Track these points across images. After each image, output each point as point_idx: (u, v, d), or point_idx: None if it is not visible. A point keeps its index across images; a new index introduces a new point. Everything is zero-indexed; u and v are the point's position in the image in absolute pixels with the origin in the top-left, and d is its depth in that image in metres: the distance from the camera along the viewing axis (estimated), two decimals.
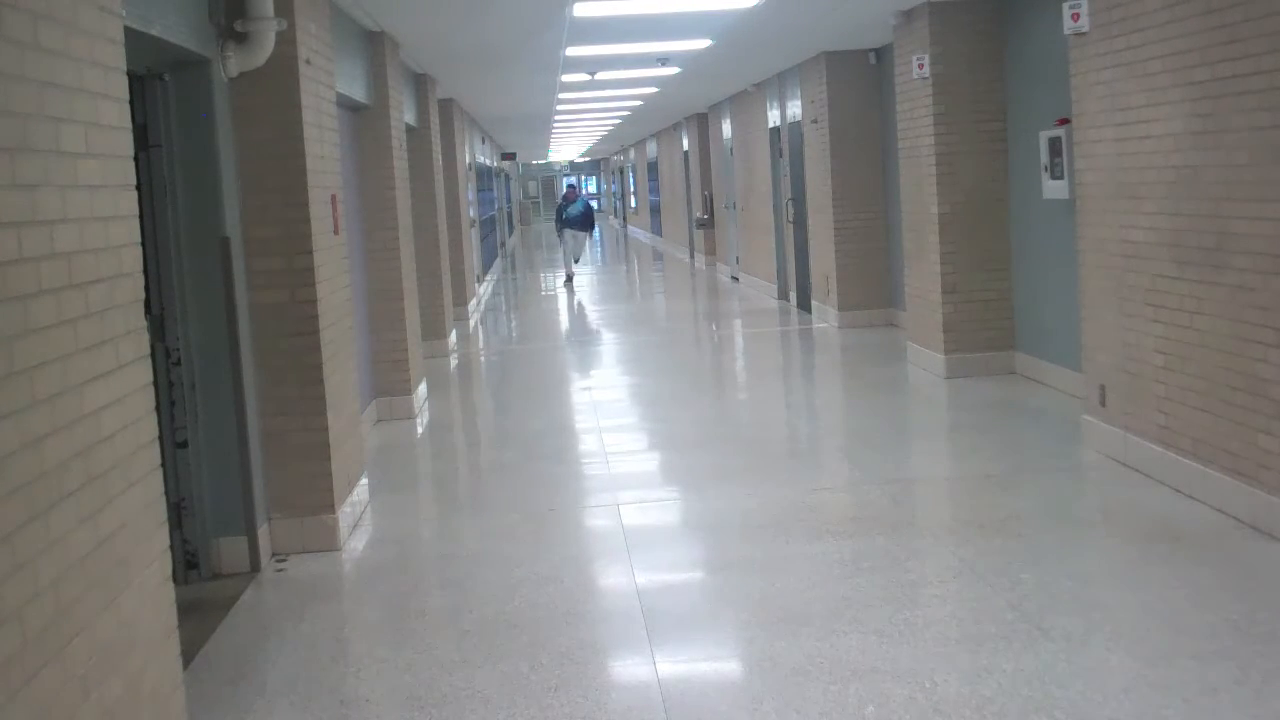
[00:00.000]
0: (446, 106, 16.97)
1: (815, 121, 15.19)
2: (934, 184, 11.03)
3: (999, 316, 11.10)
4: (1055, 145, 9.48)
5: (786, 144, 17.12)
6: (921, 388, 10.95)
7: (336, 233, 7.55)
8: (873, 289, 14.83)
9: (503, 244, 35.88)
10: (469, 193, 19.53)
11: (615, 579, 6.25)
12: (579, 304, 20.85)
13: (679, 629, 5.51)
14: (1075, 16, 7.73)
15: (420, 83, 13.94)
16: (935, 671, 4.76)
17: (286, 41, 6.69)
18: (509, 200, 44.70)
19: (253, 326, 6.76)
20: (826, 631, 5.22)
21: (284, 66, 6.72)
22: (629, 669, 5.14)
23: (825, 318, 15.41)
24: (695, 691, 4.86)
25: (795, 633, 5.23)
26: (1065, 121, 8.98)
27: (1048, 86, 9.84)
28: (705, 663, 5.25)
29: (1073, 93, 8.00)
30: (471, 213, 19.88)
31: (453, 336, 15.14)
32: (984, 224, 11.03)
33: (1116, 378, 7.64)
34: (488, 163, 28.43)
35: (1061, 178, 9.39)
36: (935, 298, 11.15)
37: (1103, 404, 7.84)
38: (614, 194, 56.54)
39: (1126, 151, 7.32)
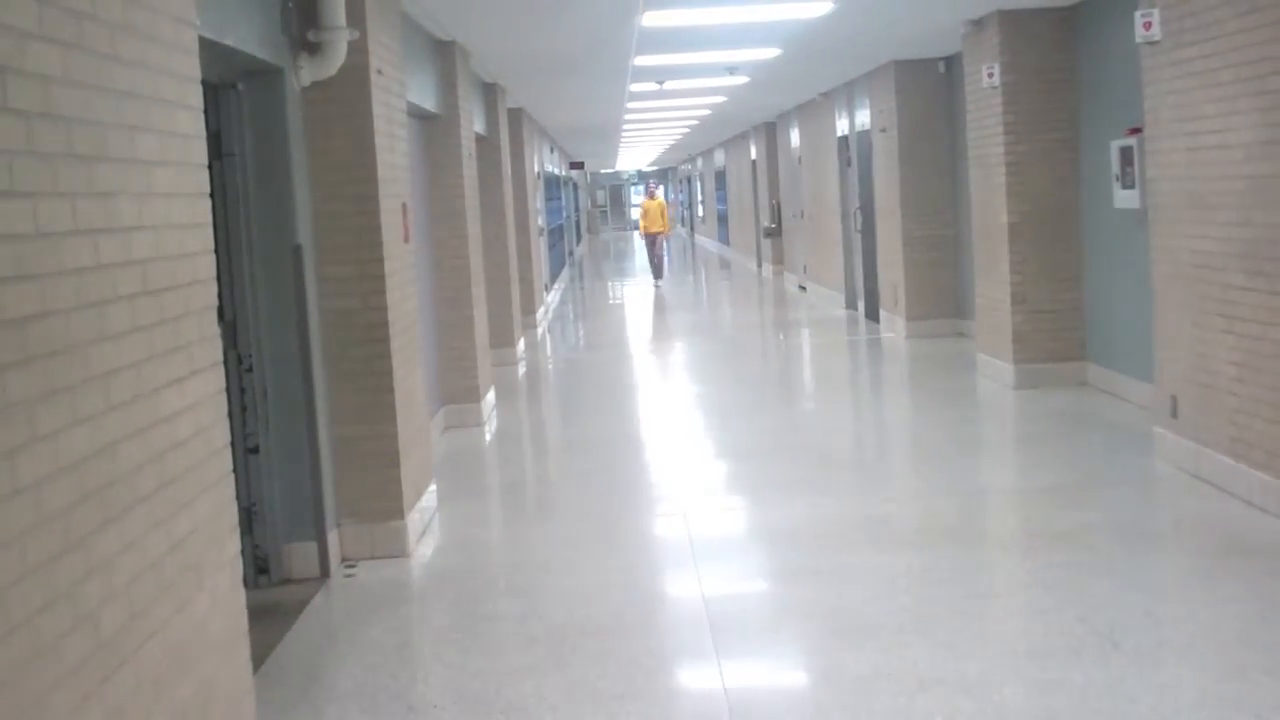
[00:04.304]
0: (516, 115, 17.05)
1: (884, 130, 15.13)
2: (1004, 193, 10.94)
3: (1069, 327, 10.99)
4: (1126, 154, 9.37)
5: (855, 153, 17.06)
6: (990, 398, 10.87)
7: (407, 240, 7.61)
8: (941, 298, 14.73)
9: (570, 252, 35.99)
10: (537, 201, 19.61)
11: (682, 587, 6.25)
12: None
13: (745, 638, 5.50)
14: (1147, 25, 7.65)
15: (490, 92, 14.02)
16: (1004, 684, 4.72)
17: (358, 51, 6.75)
18: (577, 209, 44.87)
19: (324, 333, 6.83)
20: (894, 643, 5.20)
21: (356, 76, 6.79)
22: (696, 677, 5.14)
23: (893, 327, 15.33)
24: (761, 700, 4.86)
25: (862, 643, 5.21)
26: (1136, 130, 8.88)
27: (1118, 95, 9.74)
28: (772, 672, 5.24)
29: (1145, 102, 7.91)
30: (540, 221, 19.96)
31: (521, 344, 15.21)
32: (1054, 233, 10.93)
33: (1188, 389, 7.54)
34: (556, 171, 28.53)
35: (1133, 187, 9.29)
36: (1005, 307, 11.06)
37: (1174, 416, 7.74)
38: (681, 203, 56.54)
39: (1199, 161, 7.23)
